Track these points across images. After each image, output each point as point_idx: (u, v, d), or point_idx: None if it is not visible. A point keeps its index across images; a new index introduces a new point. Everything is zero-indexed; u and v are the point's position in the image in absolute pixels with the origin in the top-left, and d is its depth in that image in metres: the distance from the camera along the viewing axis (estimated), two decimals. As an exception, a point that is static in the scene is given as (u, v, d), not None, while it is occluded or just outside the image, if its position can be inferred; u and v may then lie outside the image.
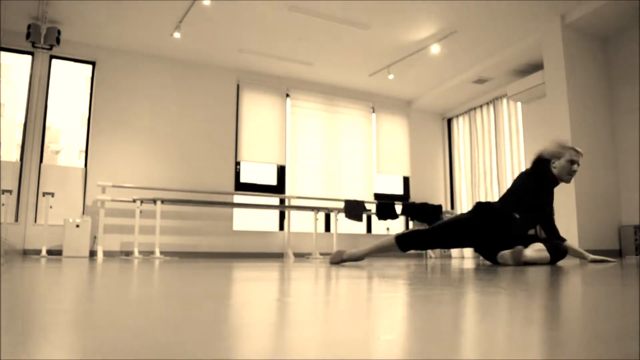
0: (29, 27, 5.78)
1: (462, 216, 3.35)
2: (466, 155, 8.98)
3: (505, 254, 3.12)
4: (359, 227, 8.24)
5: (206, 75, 7.54)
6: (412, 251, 8.88)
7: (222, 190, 7.25)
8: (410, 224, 8.88)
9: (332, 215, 7.49)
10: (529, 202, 3.40)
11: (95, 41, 6.78)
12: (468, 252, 8.12)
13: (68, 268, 2.32)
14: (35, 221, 6.27)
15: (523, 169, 7.77)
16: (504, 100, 8.18)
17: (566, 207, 5.80)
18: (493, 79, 7.85)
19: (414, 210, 8.21)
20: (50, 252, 6.11)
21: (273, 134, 7.85)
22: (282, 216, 7.75)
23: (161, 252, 6.62)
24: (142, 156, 6.94)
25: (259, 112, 7.82)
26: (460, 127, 9.18)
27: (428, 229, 3.32)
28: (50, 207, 6.06)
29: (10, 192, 6.01)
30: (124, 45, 6.92)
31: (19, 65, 8.18)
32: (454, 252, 8.34)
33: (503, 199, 3.45)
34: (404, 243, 3.29)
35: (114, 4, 5.80)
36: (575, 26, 6.09)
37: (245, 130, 7.68)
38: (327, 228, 8.10)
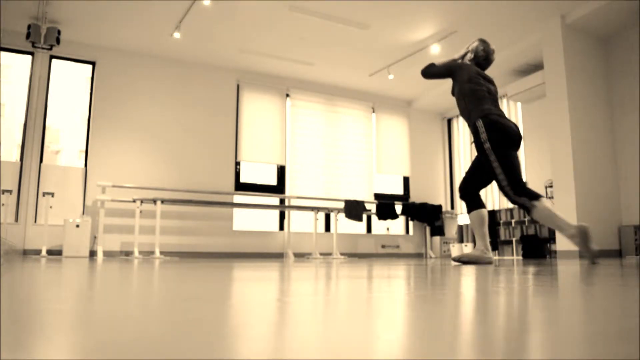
0: (29, 27, 5.78)
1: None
2: (466, 155, 8.98)
3: None
4: (359, 227, 8.24)
5: (206, 75, 7.54)
6: (412, 251, 8.85)
7: (222, 190, 7.25)
8: (411, 224, 8.88)
9: (332, 215, 7.49)
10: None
11: (95, 41, 6.78)
12: (468, 250, 8.12)
13: (68, 268, 2.32)
14: (35, 221, 6.27)
15: (523, 169, 7.80)
16: (504, 100, 8.18)
17: (566, 207, 5.80)
18: (493, 78, 7.85)
19: (413, 210, 8.21)
20: (50, 252, 6.11)
21: (273, 134, 7.85)
22: (282, 216, 7.75)
23: (161, 252, 6.62)
24: (142, 156, 6.95)
25: (259, 112, 7.82)
26: (460, 127, 9.19)
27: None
28: (50, 207, 6.06)
29: (10, 192, 6.01)
30: (124, 45, 6.92)
31: (19, 65, 8.17)
32: (454, 252, 8.33)
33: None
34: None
35: (114, 4, 5.80)
36: (575, 26, 6.09)
37: (245, 130, 7.68)
38: (327, 228, 8.10)
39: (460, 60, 3.91)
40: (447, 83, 8.24)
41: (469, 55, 3.93)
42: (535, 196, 3.20)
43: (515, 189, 3.28)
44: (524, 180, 3.44)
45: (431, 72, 3.89)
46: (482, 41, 3.93)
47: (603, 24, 6.07)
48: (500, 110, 3.64)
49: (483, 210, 3.62)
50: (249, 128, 7.72)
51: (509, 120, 3.55)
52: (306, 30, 6.47)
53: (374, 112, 8.81)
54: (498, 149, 3.38)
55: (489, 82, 3.81)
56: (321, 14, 6.03)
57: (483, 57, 3.90)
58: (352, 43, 6.83)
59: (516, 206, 7.59)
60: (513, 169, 3.34)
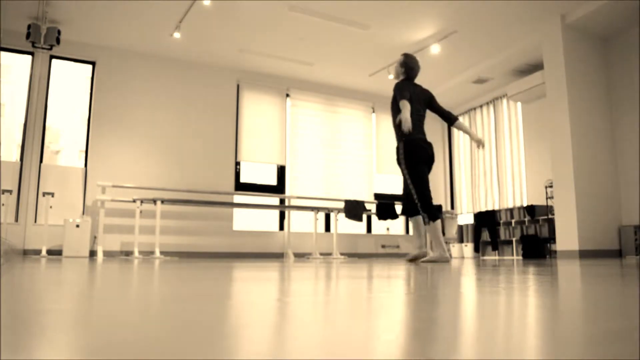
0: (29, 27, 5.78)
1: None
2: (466, 155, 8.98)
3: None
4: (359, 227, 8.23)
5: (206, 76, 7.54)
6: (412, 251, 8.86)
7: (222, 190, 7.25)
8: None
9: (332, 215, 7.49)
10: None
11: (95, 41, 6.78)
12: (469, 252, 8.12)
13: (68, 268, 2.32)
14: (35, 221, 6.27)
15: (523, 169, 7.82)
16: (504, 100, 8.18)
17: (566, 207, 5.80)
18: (493, 79, 7.85)
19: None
20: (50, 252, 6.11)
21: (273, 134, 7.85)
22: (282, 216, 7.75)
23: (161, 252, 6.62)
24: (142, 156, 6.95)
25: (259, 112, 7.82)
26: (460, 127, 9.18)
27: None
28: (50, 207, 6.06)
29: (10, 192, 6.01)
30: (124, 45, 6.92)
31: (19, 65, 8.17)
32: (454, 252, 8.34)
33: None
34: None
35: (114, 4, 5.80)
36: (575, 26, 6.09)
37: (245, 130, 7.68)
38: (327, 228, 8.10)
39: (399, 81, 4.17)
40: (447, 83, 8.25)
41: (401, 71, 4.19)
42: (434, 217, 4.01)
43: (423, 204, 3.97)
44: (431, 196, 4.03)
45: (396, 114, 4.11)
46: (407, 55, 4.21)
47: (603, 24, 6.07)
48: (422, 133, 4.06)
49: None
50: (249, 128, 7.72)
51: (426, 142, 4.02)
52: (306, 30, 6.47)
53: (374, 112, 8.81)
54: (411, 169, 3.93)
55: (419, 102, 4.09)
56: (321, 14, 6.03)
57: (413, 70, 4.17)
58: (352, 43, 6.83)
59: (516, 206, 7.62)
60: (423, 188, 3.94)
